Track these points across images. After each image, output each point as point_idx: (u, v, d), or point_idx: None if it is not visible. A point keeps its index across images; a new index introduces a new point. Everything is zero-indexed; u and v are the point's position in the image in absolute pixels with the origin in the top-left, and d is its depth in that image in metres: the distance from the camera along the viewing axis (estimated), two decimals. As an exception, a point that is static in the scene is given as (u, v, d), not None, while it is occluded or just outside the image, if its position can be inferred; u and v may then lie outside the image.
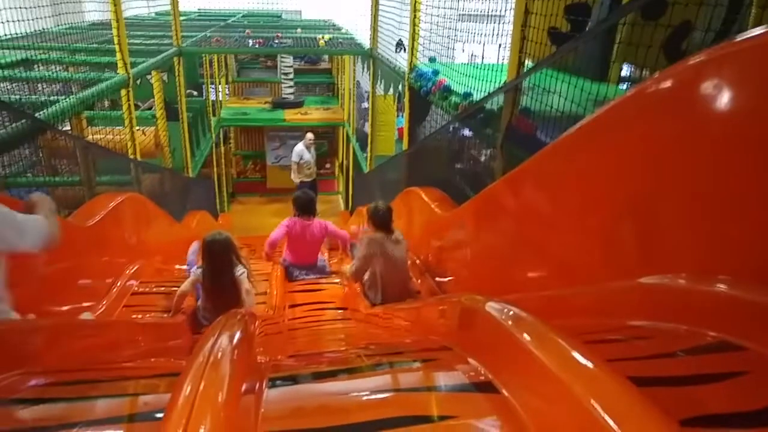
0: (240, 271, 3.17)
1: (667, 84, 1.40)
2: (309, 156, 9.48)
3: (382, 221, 3.59)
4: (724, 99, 1.23)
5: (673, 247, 1.40)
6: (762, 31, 1.13)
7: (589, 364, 0.78)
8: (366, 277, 3.61)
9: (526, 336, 0.90)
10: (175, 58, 7.65)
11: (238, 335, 1.03)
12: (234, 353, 0.93)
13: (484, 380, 0.97)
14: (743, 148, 1.19)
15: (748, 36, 1.18)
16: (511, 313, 1.02)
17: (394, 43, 6.65)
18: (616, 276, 1.62)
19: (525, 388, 0.88)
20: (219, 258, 3.14)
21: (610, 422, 0.66)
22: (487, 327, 1.08)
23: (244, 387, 0.91)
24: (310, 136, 9.57)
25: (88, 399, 1.16)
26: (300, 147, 9.52)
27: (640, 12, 2.27)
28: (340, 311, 3.76)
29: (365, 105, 9.37)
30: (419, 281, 4.02)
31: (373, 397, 0.99)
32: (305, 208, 4.25)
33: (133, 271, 3.84)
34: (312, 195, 4.50)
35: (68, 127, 4.21)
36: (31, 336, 1.58)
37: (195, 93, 10.55)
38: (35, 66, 6.29)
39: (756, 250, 1.17)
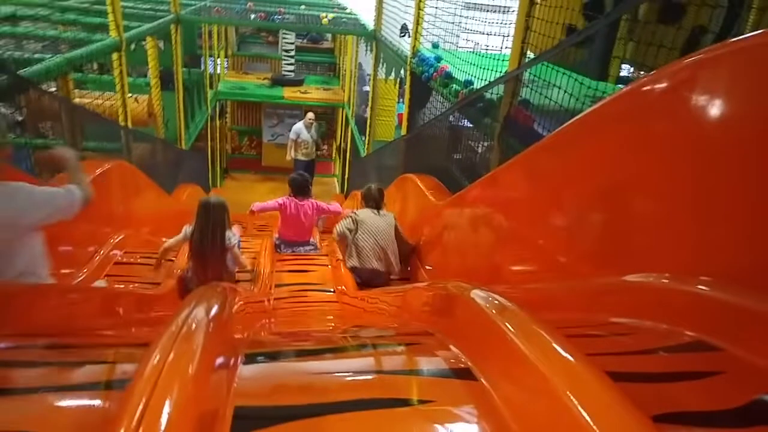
0: (232, 237, 3.20)
1: (659, 84, 1.40)
2: (307, 135, 9.39)
3: (372, 199, 3.93)
4: (715, 101, 1.22)
5: (659, 247, 1.40)
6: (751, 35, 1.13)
7: (568, 357, 0.78)
8: (350, 244, 3.86)
9: (507, 325, 0.89)
10: (173, 26, 7.50)
11: (214, 308, 1.01)
12: (209, 325, 0.91)
13: (463, 367, 0.96)
14: (732, 150, 1.18)
15: (738, 39, 1.18)
16: (495, 301, 1.01)
17: (399, 26, 6.57)
18: (601, 272, 1.63)
19: (503, 377, 0.87)
20: (212, 219, 3.15)
21: (585, 415, 0.66)
22: (470, 314, 1.06)
23: (217, 361, 0.89)
24: (310, 115, 9.48)
25: (60, 364, 1.14)
26: (299, 125, 9.46)
27: (657, 15, 2.24)
28: (328, 293, 3.75)
29: (366, 88, 9.29)
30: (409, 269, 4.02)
31: (349, 377, 0.97)
32: (300, 188, 4.44)
33: (117, 240, 3.79)
34: (307, 177, 4.64)
35: (54, 89, 4.10)
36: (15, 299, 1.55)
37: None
38: (21, 23, 6.13)
39: (740, 252, 1.17)
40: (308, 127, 9.37)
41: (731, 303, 1.11)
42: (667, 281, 1.30)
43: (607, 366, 0.79)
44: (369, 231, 3.82)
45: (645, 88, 1.45)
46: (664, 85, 1.39)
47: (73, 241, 3.21)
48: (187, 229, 3.28)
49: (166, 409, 0.65)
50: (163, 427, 0.62)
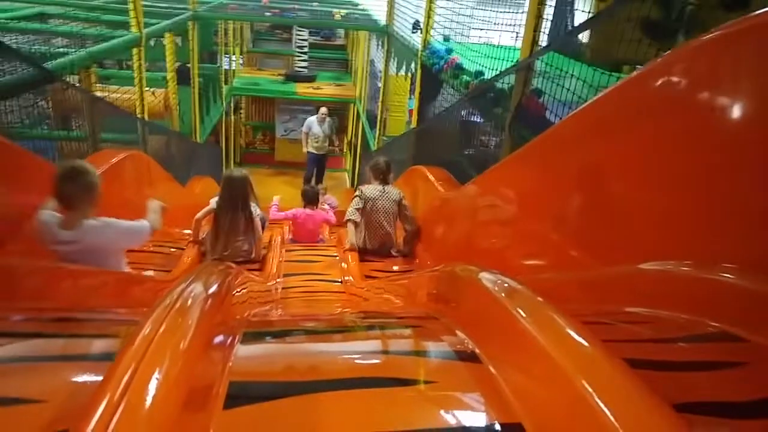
0: (255, 210, 3.46)
1: (673, 68, 1.35)
2: (318, 130, 9.40)
3: (380, 172, 4.10)
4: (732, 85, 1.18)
5: (679, 234, 1.35)
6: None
7: (583, 342, 0.73)
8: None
9: (516, 308, 0.85)
10: (190, 22, 7.56)
11: (214, 284, 1.00)
12: (205, 301, 0.89)
13: (467, 350, 0.93)
14: (752, 135, 1.14)
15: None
16: (505, 284, 0.97)
17: (410, 20, 6.53)
18: (615, 261, 1.58)
19: (510, 361, 0.84)
20: (236, 191, 3.37)
21: (600, 403, 0.61)
22: (476, 296, 1.04)
23: (212, 336, 0.88)
24: (323, 110, 9.48)
25: (64, 336, 1.14)
26: (311, 119, 9.49)
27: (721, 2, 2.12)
28: (335, 283, 3.74)
29: (378, 84, 9.27)
30: (417, 261, 3.99)
31: (345, 357, 0.95)
32: (310, 200, 4.97)
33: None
34: (317, 190, 5.18)
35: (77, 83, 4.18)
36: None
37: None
38: (50, 20, 6.28)
39: (761, 239, 1.12)
40: (321, 121, 9.38)
41: (755, 291, 1.06)
42: (685, 269, 1.26)
43: (623, 353, 0.76)
44: (373, 208, 4.00)
45: (658, 73, 1.40)
46: (677, 68, 1.35)
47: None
48: (213, 201, 3.46)
49: (154, 379, 0.63)
50: (149, 398, 0.61)
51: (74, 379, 0.90)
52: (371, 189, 4.05)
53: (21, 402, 0.76)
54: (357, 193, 4.12)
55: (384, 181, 4.09)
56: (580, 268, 1.82)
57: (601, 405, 0.60)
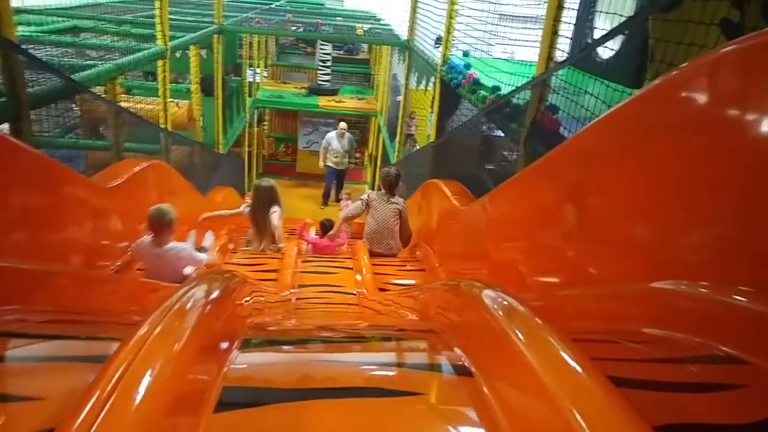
0: (274, 209, 4.25)
1: (695, 80, 1.32)
2: (337, 145, 9.44)
3: (387, 183, 4.46)
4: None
5: (696, 254, 1.32)
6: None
7: (571, 362, 0.72)
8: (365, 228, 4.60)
9: (511, 327, 0.85)
10: (215, 36, 7.73)
11: (215, 290, 1.02)
12: (205, 306, 0.91)
13: (459, 363, 0.93)
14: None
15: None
16: (505, 302, 0.96)
17: (431, 34, 6.58)
18: (629, 280, 1.55)
19: (501, 378, 0.83)
20: (261, 197, 4.32)
21: (582, 423, 0.61)
22: (474, 311, 1.03)
23: (210, 342, 0.90)
24: (342, 125, 9.54)
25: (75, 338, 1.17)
26: (331, 134, 9.55)
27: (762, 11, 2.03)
28: (349, 296, 3.75)
29: (399, 98, 9.33)
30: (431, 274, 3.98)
31: (339, 367, 0.96)
32: (327, 231, 5.45)
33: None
34: (332, 222, 5.55)
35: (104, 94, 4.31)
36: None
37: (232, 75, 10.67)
38: (82, 34, 6.48)
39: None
40: (340, 137, 9.42)
41: (763, 314, 1.03)
42: (698, 290, 1.23)
43: (618, 372, 0.75)
44: (374, 216, 4.43)
45: (679, 85, 1.36)
46: (700, 81, 1.30)
47: (106, 233, 3.30)
48: (245, 207, 4.57)
49: (144, 380, 0.65)
50: (137, 397, 0.62)
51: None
52: (375, 197, 4.47)
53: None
54: (363, 197, 4.56)
55: (390, 191, 4.45)
56: (590, 283, 1.80)
57: (582, 424, 0.60)
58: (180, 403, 0.70)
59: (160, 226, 3.06)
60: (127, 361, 0.66)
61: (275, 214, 4.27)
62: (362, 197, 4.58)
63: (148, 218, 3.07)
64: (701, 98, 1.33)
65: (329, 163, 9.55)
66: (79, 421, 0.56)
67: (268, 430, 0.72)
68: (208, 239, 3.83)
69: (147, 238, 3.13)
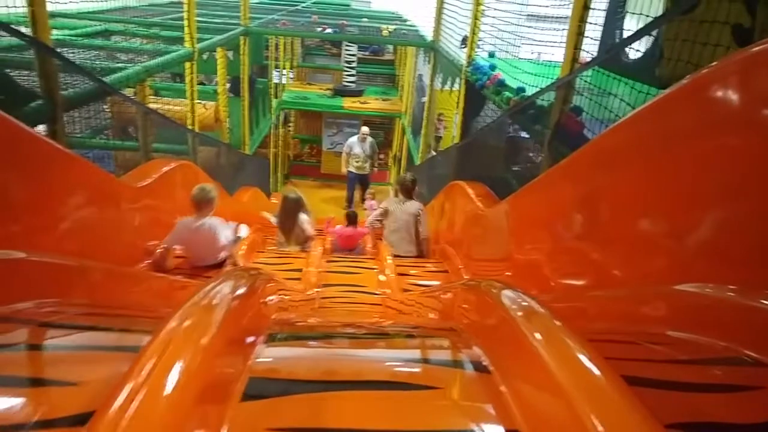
0: (303, 217, 4.65)
1: (720, 83, 1.31)
2: (359, 150, 9.45)
3: (404, 188, 4.75)
4: None
5: (726, 257, 1.30)
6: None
7: (592, 368, 0.73)
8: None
9: (528, 328, 0.86)
10: (241, 37, 7.85)
11: (242, 286, 1.05)
12: (232, 301, 0.94)
13: (479, 361, 0.95)
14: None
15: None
16: (524, 303, 0.98)
17: (457, 35, 6.58)
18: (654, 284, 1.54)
19: (518, 376, 0.85)
20: (289, 207, 4.64)
21: (595, 421, 0.62)
22: (492, 312, 1.05)
23: (236, 335, 0.93)
24: (364, 129, 9.55)
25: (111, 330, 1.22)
26: (353, 139, 9.57)
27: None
28: (373, 296, 3.78)
29: (425, 99, 9.35)
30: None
31: (360, 361, 0.99)
32: (352, 221, 5.82)
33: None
34: (356, 213, 5.98)
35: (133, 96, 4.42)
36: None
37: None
38: (112, 37, 6.66)
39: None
40: (362, 141, 9.45)
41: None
42: (724, 293, 1.22)
43: (632, 371, 0.76)
44: (392, 221, 4.68)
45: (710, 85, 1.35)
46: (732, 80, 1.28)
47: (135, 232, 3.39)
48: (271, 217, 5.09)
49: (174, 370, 0.68)
50: (169, 387, 0.66)
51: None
52: (392, 203, 4.79)
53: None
54: (382, 205, 4.91)
55: (408, 196, 4.72)
56: (615, 286, 1.79)
57: (594, 421, 0.62)
58: (208, 391, 0.74)
59: (203, 203, 3.45)
60: (158, 352, 0.70)
61: (307, 224, 4.66)
62: (382, 205, 4.90)
63: (192, 195, 3.45)
64: (732, 98, 1.31)
65: (351, 168, 9.58)
66: (116, 405, 0.60)
67: (292, 417, 0.75)
68: (243, 231, 4.06)
69: (189, 217, 3.50)
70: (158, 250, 3.47)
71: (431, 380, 0.87)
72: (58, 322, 1.16)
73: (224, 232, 3.64)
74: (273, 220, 5.02)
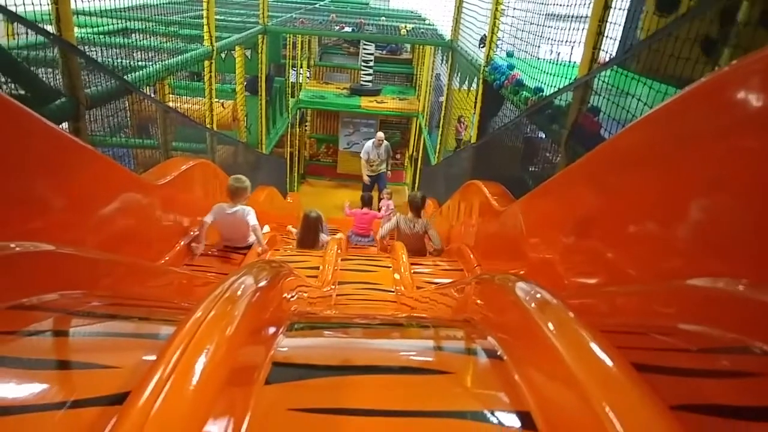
0: (321, 236, 5.09)
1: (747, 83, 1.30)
2: (375, 155, 9.64)
3: (414, 206, 5.07)
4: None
5: (744, 253, 1.31)
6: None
7: (600, 352, 0.75)
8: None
9: (542, 319, 0.88)
10: (260, 36, 7.91)
11: (263, 279, 1.09)
12: (254, 293, 0.98)
13: (493, 349, 0.97)
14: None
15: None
16: (537, 295, 1.00)
17: (475, 34, 6.58)
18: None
19: (531, 364, 0.88)
20: (309, 225, 5.06)
21: (605, 405, 0.65)
22: (506, 304, 1.07)
23: (259, 325, 0.97)
24: (380, 135, 9.71)
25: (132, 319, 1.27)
26: (368, 144, 9.70)
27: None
28: (388, 293, 3.82)
29: (442, 99, 9.36)
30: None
31: (377, 348, 1.02)
32: (367, 203, 6.80)
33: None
34: (371, 196, 7.20)
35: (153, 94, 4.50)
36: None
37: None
38: (132, 34, 6.75)
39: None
40: (377, 146, 9.61)
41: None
42: (735, 287, 1.23)
43: (638, 359, 0.78)
44: (402, 238, 5.01)
45: (729, 85, 1.35)
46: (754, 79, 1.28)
47: (156, 229, 3.46)
48: (293, 229, 5.92)
49: (201, 357, 0.72)
50: (196, 375, 0.69)
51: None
52: (403, 220, 5.11)
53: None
54: (395, 218, 5.25)
55: (417, 214, 5.06)
56: (629, 284, 1.80)
57: (606, 407, 0.64)
58: (236, 377, 0.78)
59: (238, 191, 3.98)
60: (184, 342, 0.74)
61: (323, 237, 5.13)
62: (393, 220, 5.25)
63: (228, 185, 4.02)
64: (753, 98, 1.31)
65: (369, 173, 9.79)
66: (149, 388, 0.64)
67: (312, 399, 0.79)
68: (265, 227, 4.68)
69: (224, 203, 4.03)
70: (196, 229, 3.98)
71: (445, 366, 0.91)
72: (87, 311, 1.21)
73: (253, 219, 4.04)
74: (295, 232, 5.69)
